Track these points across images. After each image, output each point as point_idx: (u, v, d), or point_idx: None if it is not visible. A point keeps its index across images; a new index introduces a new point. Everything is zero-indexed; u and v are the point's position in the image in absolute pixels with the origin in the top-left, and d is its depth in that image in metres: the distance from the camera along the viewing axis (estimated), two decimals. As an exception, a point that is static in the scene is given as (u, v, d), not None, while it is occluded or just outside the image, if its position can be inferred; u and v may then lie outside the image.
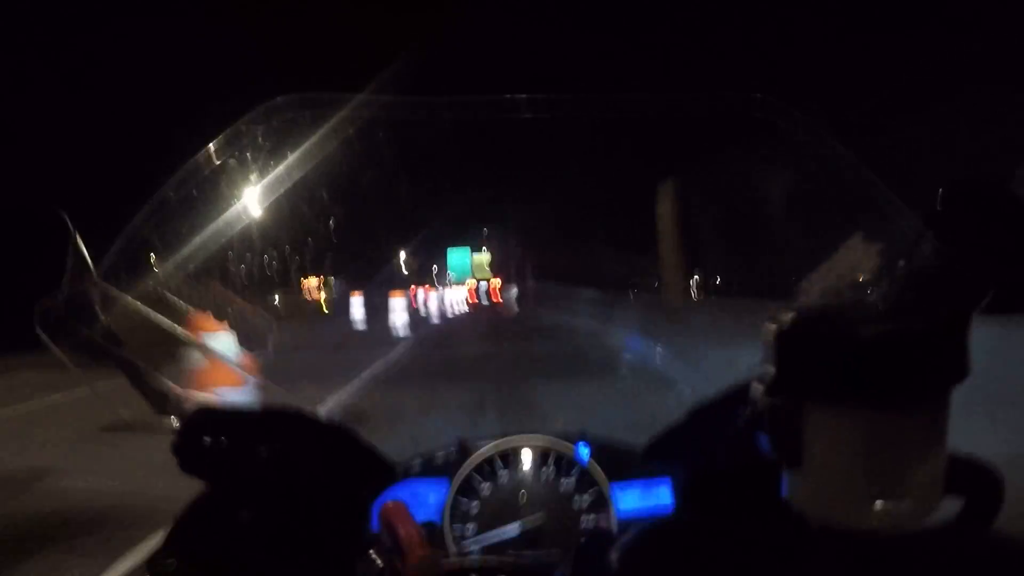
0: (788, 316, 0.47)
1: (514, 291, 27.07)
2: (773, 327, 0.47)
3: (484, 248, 43.09)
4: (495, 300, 30.76)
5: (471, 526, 0.93)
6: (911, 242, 0.82)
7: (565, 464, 0.96)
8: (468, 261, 43.66)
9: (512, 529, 0.92)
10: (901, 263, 0.83)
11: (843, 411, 0.45)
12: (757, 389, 0.48)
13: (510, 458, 0.97)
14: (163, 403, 0.85)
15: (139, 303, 0.92)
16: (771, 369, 0.47)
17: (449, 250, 43.74)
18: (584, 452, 0.97)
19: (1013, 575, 0.45)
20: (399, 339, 14.08)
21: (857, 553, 0.46)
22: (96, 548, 3.22)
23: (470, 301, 33.37)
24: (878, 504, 0.45)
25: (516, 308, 24.16)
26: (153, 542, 3.11)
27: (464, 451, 0.99)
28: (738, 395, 0.53)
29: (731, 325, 6.55)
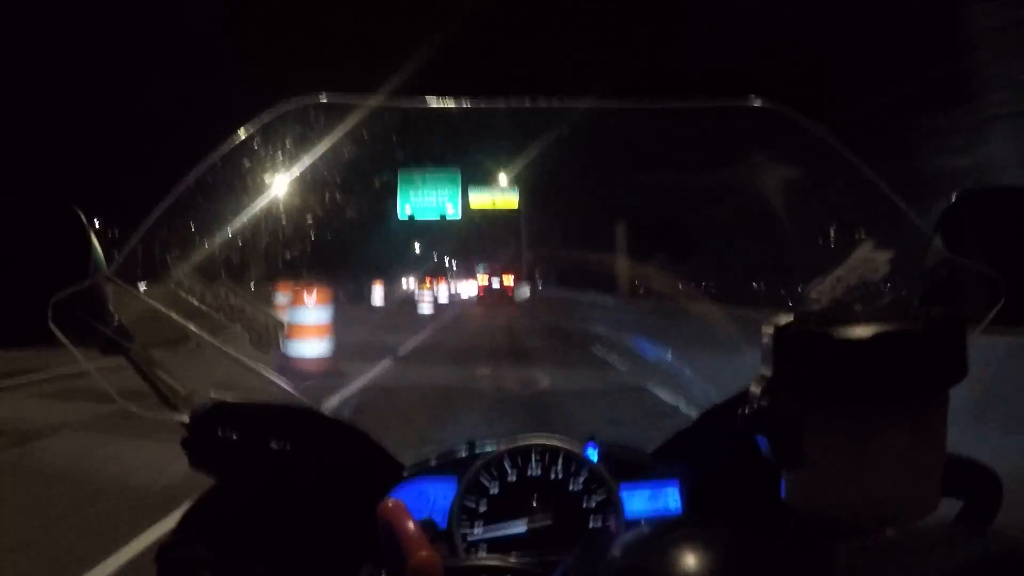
0: (787, 318, 0.48)
1: (526, 291, 28.52)
2: (772, 329, 0.48)
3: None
4: (508, 293, 31.20)
5: (478, 525, 0.94)
6: (921, 250, 0.82)
7: (574, 465, 0.97)
8: (455, 203, 25.30)
9: (519, 529, 0.93)
10: (911, 270, 0.82)
11: (843, 411, 0.45)
12: (756, 391, 0.49)
13: (519, 458, 0.97)
14: (173, 399, 0.86)
15: (151, 299, 0.93)
16: (770, 370, 0.48)
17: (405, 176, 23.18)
18: (593, 453, 0.97)
19: (1013, 575, 0.45)
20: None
21: (857, 553, 0.46)
22: (106, 534, 3.28)
23: (479, 295, 33.52)
24: (877, 504, 0.45)
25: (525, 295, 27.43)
26: (162, 531, 3.16)
27: (473, 450, 1.00)
28: (745, 400, 0.53)
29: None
